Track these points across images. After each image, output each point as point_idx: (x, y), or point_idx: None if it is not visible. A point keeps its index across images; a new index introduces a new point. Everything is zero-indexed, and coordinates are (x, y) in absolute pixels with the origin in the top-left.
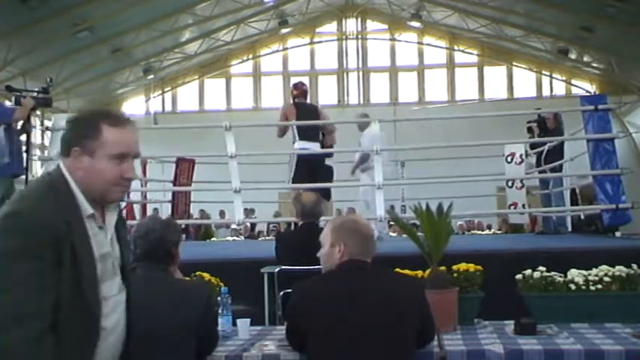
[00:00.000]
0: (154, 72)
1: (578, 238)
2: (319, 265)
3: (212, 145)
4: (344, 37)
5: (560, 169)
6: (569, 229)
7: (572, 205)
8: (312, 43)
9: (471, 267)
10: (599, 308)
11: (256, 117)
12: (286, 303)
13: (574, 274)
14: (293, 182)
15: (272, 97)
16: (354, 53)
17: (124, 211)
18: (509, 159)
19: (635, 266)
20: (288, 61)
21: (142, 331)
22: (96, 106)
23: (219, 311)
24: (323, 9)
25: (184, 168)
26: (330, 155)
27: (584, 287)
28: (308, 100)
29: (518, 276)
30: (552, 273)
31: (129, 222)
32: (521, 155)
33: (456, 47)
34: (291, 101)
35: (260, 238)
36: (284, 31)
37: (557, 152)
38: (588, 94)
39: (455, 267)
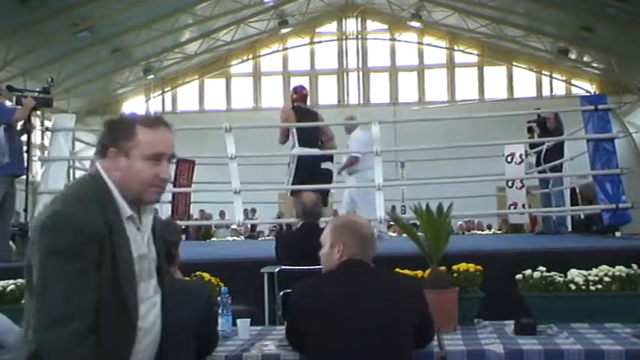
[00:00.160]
0: (154, 72)
1: (578, 238)
2: (319, 265)
3: (212, 146)
4: (344, 37)
5: (560, 168)
6: (569, 229)
7: (572, 205)
8: (312, 43)
9: (471, 267)
10: (599, 308)
11: (256, 117)
12: (286, 303)
13: (574, 274)
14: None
15: (272, 97)
16: (354, 53)
17: None
18: (509, 159)
19: (635, 266)
20: (288, 61)
21: None
22: (96, 106)
23: (219, 311)
24: (323, 9)
25: (184, 169)
26: (330, 159)
27: (584, 287)
28: (308, 102)
29: (518, 276)
30: (552, 273)
31: None
32: (521, 155)
33: (456, 47)
34: (291, 105)
35: (260, 239)
36: (284, 31)
37: (557, 152)
38: (588, 94)
39: (455, 267)
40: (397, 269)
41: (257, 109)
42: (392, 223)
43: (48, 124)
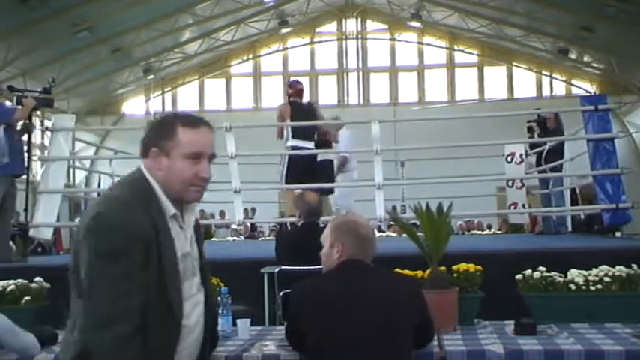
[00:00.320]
0: (154, 72)
1: (578, 238)
2: (319, 265)
3: None
4: (344, 37)
5: (560, 169)
6: (569, 229)
7: (572, 205)
8: (312, 43)
9: (471, 267)
10: (599, 308)
11: (256, 117)
12: (286, 303)
13: (574, 274)
14: (286, 182)
15: (272, 97)
16: (354, 53)
17: None
18: (509, 159)
19: (635, 266)
20: (288, 61)
21: None
22: (96, 106)
23: (219, 311)
24: (323, 9)
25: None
26: (329, 146)
27: (584, 287)
28: (307, 99)
29: (518, 276)
30: (552, 273)
31: None
32: (521, 155)
33: (456, 47)
34: (287, 100)
35: (260, 238)
36: (284, 31)
37: (557, 152)
38: (588, 94)
39: (455, 267)
40: (397, 269)
41: (257, 109)
42: (392, 223)
43: (48, 124)
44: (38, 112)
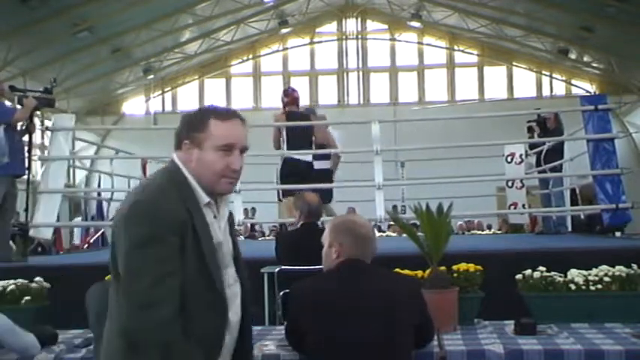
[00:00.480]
0: (154, 72)
1: (578, 238)
2: (319, 265)
3: None
4: (344, 37)
5: (560, 169)
6: (569, 229)
7: (572, 205)
8: (312, 43)
9: (471, 267)
10: (599, 308)
11: (256, 117)
12: (286, 303)
13: (574, 274)
14: (283, 196)
15: (272, 97)
16: (354, 53)
17: None
18: (509, 159)
19: (635, 266)
20: (288, 61)
21: None
22: (96, 106)
23: None
24: (323, 9)
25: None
26: (325, 158)
27: (584, 287)
28: (306, 103)
29: (518, 276)
30: (552, 273)
31: None
32: (521, 155)
33: (456, 47)
34: (283, 109)
35: (260, 239)
36: (284, 31)
37: (557, 152)
38: (588, 94)
39: (455, 267)
40: (397, 269)
41: (257, 109)
42: (392, 222)
43: (48, 123)
44: (38, 112)
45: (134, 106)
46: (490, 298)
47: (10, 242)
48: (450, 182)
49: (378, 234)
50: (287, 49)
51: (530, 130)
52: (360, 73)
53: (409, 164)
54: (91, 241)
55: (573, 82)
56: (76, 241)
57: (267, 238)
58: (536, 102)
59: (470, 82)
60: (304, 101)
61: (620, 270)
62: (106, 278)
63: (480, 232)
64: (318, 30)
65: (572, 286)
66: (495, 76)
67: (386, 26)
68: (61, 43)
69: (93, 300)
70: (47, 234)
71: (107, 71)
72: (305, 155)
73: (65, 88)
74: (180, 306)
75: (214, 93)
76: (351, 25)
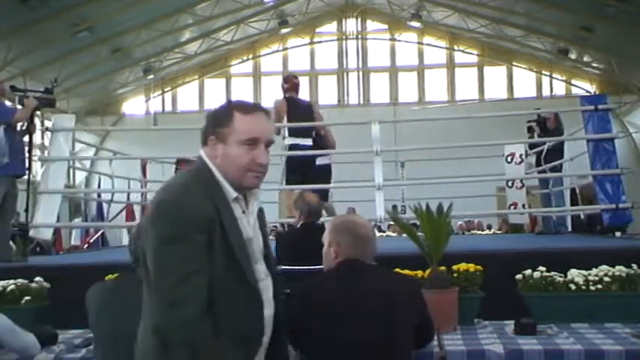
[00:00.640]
0: (154, 72)
1: (578, 238)
2: (319, 265)
3: None
4: (344, 37)
5: (560, 168)
6: (569, 229)
7: (572, 205)
8: (312, 43)
9: (471, 267)
10: (599, 308)
11: None
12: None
13: (574, 274)
14: (287, 183)
15: (272, 97)
16: (354, 53)
17: (124, 212)
18: (509, 159)
19: (635, 266)
20: (288, 61)
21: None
22: (96, 106)
23: None
24: (323, 9)
25: (184, 168)
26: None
27: (584, 287)
28: (306, 98)
29: (518, 276)
30: (552, 273)
31: (129, 223)
32: (521, 155)
33: (456, 47)
34: (283, 96)
35: None
36: (284, 31)
37: (557, 152)
38: (588, 94)
39: (455, 267)
40: (397, 269)
41: None
42: (392, 222)
43: (48, 124)
44: (38, 113)
45: (134, 106)
46: (490, 298)
47: (10, 242)
48: (450, 182)
49: (378, 234)
50: (287, 49)
51: (530, 130)
52: (360, 73)
53: (409, 164)
54: (91, 241)
55: (573, 82)
56: (75, 241)
57: None
58: (536, 102)
59: (470, 82)
60: None
61: (620, 270)
62: (106, 278)
63: (480, 232)
64: (318, 30)
65: (572, 286)
66: (495, 76)
67: (386, 26)
68: (61, 43)
69: (93, 300)
70: (47, 234)
71: (107, 71)
72: (307, 142)
73: (65, 88)
74: (209, 303)
75: (214, 93)
76: (351, 25)
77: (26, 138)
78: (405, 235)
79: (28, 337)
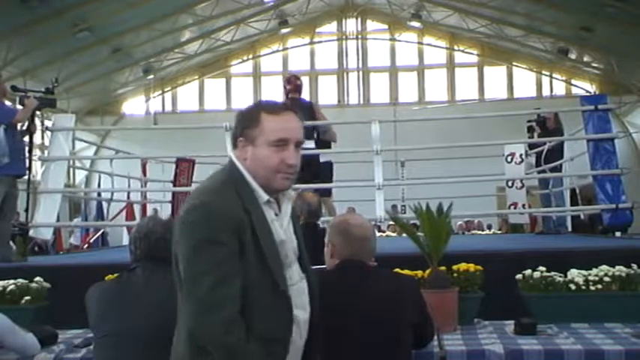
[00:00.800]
0: (154, 72)
1: (578, 238)
2: (319, 265)
3: (212, 145)
4: (344, 37)
5: (560, 169)
6: (569, 229)
7: (572, 205)
8: (312, 43)
9: (471, 267)
10: (599, 308)
11: None
12: None
13: (574, 274)
14: None
15: (272, 97)
16: (354, 53)
17: (125, 212)
18: (509, 159)
19: (635, 266)
20: (288, 61)
21: (143, 329)
22: (96, 106)
23: None
24: (323, 9)
25: (184, 168)
26: (328, 146)
27: (584, 287)
28: (307, 97)
29: (518, 276)
30: (552, 273)
31: (129, 222)
32: (521, 155)
33: (456, 47)
34: (286, 97)
35: None
36: (284, 31)
37: (557, 152)
38: (588, 94)
39: (455, 267)
40: (397, 269)
41: None
42: (392, 222)
43: (48, 123)
44: (39, 113)
45: (134, 106)
46: (490, 298)
47: (10, 242)
48: (450, 182)
49: (378, 234)
50: (287, 49)
51: (530, 130)
52: (360, 73)
53: (409, 164)
54: (91, 241)
55: (573, 82)
56: (74, 241)
57: None
58: (536, 102)
59: (470, 82)
60: None
61: (620, 270)
62: (106, 278)
63: (480, 232)
64: (318, 30)
65: (572, 286)
66: (495, 76)
67: (386, 26)
68: (61, 43)
69: (93, 300)
70: (47, 234)
71: (107, 71)
72: (310, 143)
73: (65, 88)
74: (243, 306)
75: (214, 93)
76: (351, 25)
77: (26, 138)
78: (405, 235)
79: (27, 337)
